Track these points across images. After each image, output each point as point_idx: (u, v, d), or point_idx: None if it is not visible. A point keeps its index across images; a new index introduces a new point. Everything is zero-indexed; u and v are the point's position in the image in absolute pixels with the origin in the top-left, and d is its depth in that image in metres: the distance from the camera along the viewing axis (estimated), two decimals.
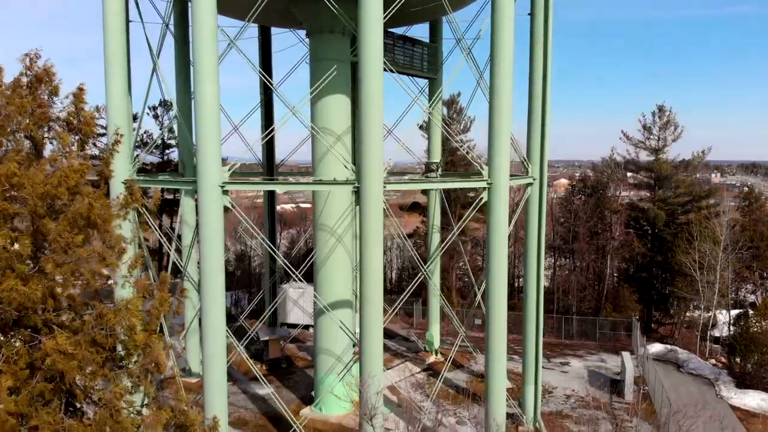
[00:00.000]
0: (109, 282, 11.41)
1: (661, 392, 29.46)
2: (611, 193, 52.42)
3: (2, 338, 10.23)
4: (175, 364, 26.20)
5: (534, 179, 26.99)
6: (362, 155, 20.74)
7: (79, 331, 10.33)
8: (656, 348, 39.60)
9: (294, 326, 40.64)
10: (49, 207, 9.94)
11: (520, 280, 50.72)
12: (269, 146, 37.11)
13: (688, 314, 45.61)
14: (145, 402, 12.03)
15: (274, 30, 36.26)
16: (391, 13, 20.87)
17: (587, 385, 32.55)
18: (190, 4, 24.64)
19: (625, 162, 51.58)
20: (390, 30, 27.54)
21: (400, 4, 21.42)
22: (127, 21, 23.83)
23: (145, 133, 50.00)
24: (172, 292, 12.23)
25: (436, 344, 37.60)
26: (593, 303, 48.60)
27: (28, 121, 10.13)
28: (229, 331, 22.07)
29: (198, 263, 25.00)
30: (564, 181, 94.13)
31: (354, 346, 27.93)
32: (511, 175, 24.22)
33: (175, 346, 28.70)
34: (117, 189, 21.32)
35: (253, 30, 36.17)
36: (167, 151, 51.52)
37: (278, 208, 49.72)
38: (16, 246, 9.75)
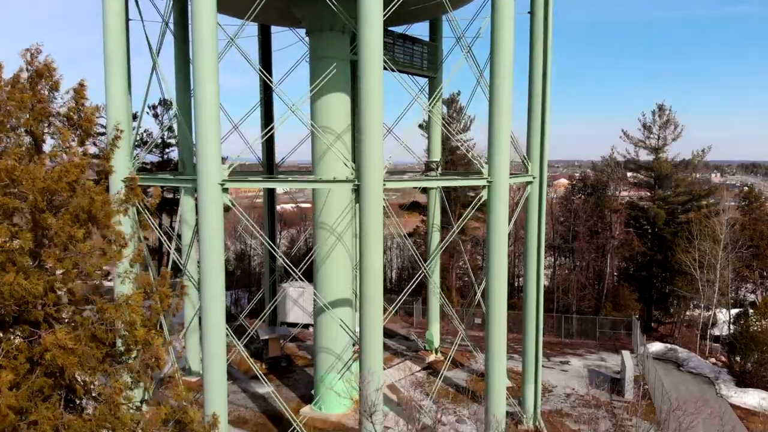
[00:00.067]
0: (109, 278, 11.43)
1: (661, 391, 29.47)
2: (611, 192, 52.46)
3: (1, 334, 10.23)
4: (174, 362, 26.19)
5: (534, 177, 26.99)
6: (362, 153, 20.73)
7: (79, 326, 10.34)
8: (656, 347, 39.61)
9: (294, 325, 40.67)
10: (49, 202, 9.95)
11: (520, 279, 50.76)
12: (269, 145, 37.12)
13: (688, 313, 45.65)
14: (145, 398, 12.04)
15: (273, 28, 36.24)
16: (391, 12, 20.89)
17: (587, 384, 32.53)
18: (189, 2, 24.62)
19: (625, 161, 51.62)
20: (390, 28, 27.55)
21: (399, 3, 21.45)
22: (127, 20, 23.84)
23: (144, 132, 50.02)
24: (172, 290, 12.23)
25: (436, 343, 37.60)
26: (593, 302, 48.61)
27: (28, 116, 10.14)
28: (229, 329, 22.07)
29: (198, 262, 25.00)
30: (564, 181, 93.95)
31: (354, 344, 27.93)
32: (511, 174, 24.25)
33: (174, 345, 28.68)
34: (117, 187, 21.35)
35: (252, 28, 36.19)
36: (167, 150, 51.54)
37: (278, 207, 49.76)
38: (17, 241, 9.76)
